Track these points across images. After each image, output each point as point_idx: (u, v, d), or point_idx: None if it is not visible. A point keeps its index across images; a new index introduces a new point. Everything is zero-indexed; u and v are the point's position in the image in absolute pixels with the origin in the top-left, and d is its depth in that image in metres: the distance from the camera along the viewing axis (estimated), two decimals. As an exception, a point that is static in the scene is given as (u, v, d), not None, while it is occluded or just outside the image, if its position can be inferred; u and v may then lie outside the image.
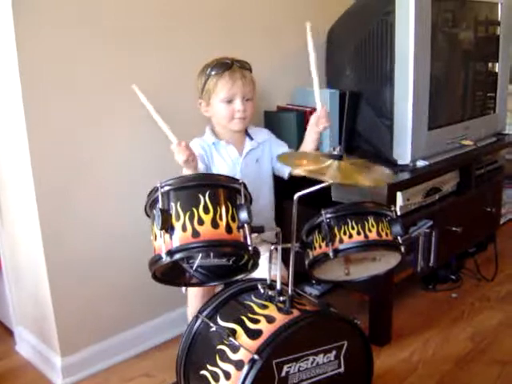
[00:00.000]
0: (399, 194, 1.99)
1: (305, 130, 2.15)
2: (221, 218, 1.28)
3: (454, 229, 2.27)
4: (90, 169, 1.82)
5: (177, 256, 1.26)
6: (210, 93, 1.75)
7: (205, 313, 1.50)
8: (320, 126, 1.79)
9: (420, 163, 2.10)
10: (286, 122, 2.19)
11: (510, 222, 2.86)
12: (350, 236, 1.41)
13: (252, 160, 1.83)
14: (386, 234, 1.44)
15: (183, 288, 1.76)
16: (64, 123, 1.73)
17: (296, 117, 2.16)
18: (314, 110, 2.17)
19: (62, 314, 1.84)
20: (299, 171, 1.46)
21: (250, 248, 1.29)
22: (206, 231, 1.26)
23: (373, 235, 1.41)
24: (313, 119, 1.81)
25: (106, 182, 1.87)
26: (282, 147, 1.91)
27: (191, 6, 1.97)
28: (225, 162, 1.79)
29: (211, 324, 1.45)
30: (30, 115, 1.66)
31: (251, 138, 1.85)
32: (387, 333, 2.06)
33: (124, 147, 1.88)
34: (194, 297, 1.72)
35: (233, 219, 1.30)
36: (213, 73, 1.73)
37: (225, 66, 1.73)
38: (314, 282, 1.53)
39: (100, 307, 1.93)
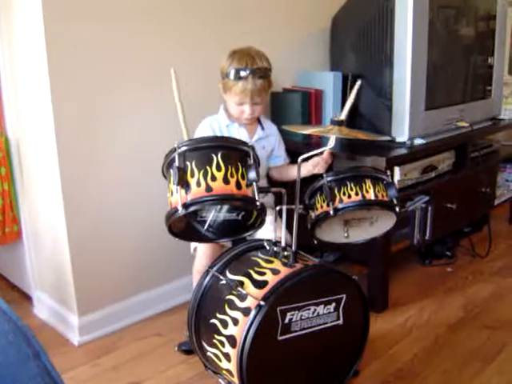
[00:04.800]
0: (397, 169, 2.12)
1: (308, 109, 2.31)
2: (232, 176, 1.41)
3: (449, 205, 2.39)
4: (109, 139, 1.95)
5: (191, 208, 1.39)
6: (226, 88, 1.87)
7: (215, 268, 1.62)
8: (315, 169, 1.84)
9: (417, 141, 2.22)
10: (291, 102, 2.32)
11: (504, 203, 2.97)
12: (349, 196, 1.54)
13: (259, 147, 1.94)
14: (382, 196, 1.57)
15: (192, 248, 1.90)
16: (86, 95, 1.86)
17: (301, 96, 2.29)
18: (317, 91, 2.33)
19: (80, 277, 1.97)
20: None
21: (258, 203, 1.42)
22: (218, 187, 1.39)
23: (369, 195, 1.55)
24: (315, 160, 1.84)
25: (125, 150, 2.00)
26: (284, 154, 2.04)
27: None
28: None
29: (221, 277, 1.58)
30: (55, 86, 1.79)
31: (262, 128, 1.98)
32: (384, 300, 2.19)
33: (140, 120, 2.02)
34: (203, 255, 1.85)
35: (242, 177, 1.43)
36: (231, 76, 1.82)
37: (241, 75, 1.81)
38: (315, 242, 1.65)
39: (116, 271, 2.06)
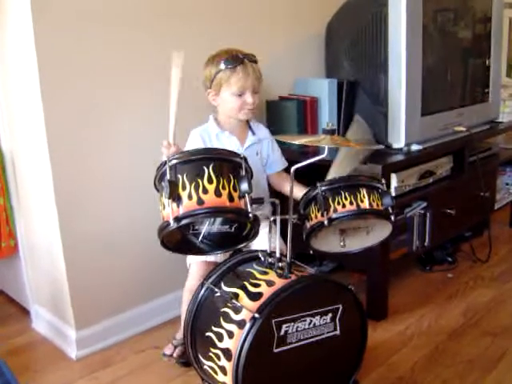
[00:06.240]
0: (394, 176, 2.10)
1: (304, 117, 2.30)
2: (223, 188, 1.40)
3: (448, 211, 2.37)
4: (102, 152, 1.94)
5: (183, 222, 1.37)
6: (220, 85, 1.82)
7: (210, 280, 1.61)
8: None
9: (414, 147, 2.21)
10: (286, 110, 2.31)
11: (505, 207, 2.95)
12: (344, 206, 1.53)
13: (253, 153, 1.92)
14: (377, 205, 1.55)
15: (188, 263, 1.88)
16: (79, 107, 1.85)
17: (296, 104, 2.29)
18: (312, 99, 2.33)
19: (76, 290, 1.96)
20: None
21: (251, 215, 1.40)
22: (210, 199, 1.38)
23: (364, 205, 1.53)
24: None
25: (118, 164, 1.99)
26: (280, 158, 2.00)
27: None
28: None
29: (216, 289, 1.56)
30: (47, 100, 1.78)
31: (253, 133, 1.94)
32: (384, 308, 2.17)
33: (135, 133, 2.01)
34: (196, 274, 1.82)
35: (234, 189, 1.41)
36: (223, 67, 1.79)
37: (237, 60, 1.79)
38: (311, 252, 1.63)
39: (113, 284, 2.05)
